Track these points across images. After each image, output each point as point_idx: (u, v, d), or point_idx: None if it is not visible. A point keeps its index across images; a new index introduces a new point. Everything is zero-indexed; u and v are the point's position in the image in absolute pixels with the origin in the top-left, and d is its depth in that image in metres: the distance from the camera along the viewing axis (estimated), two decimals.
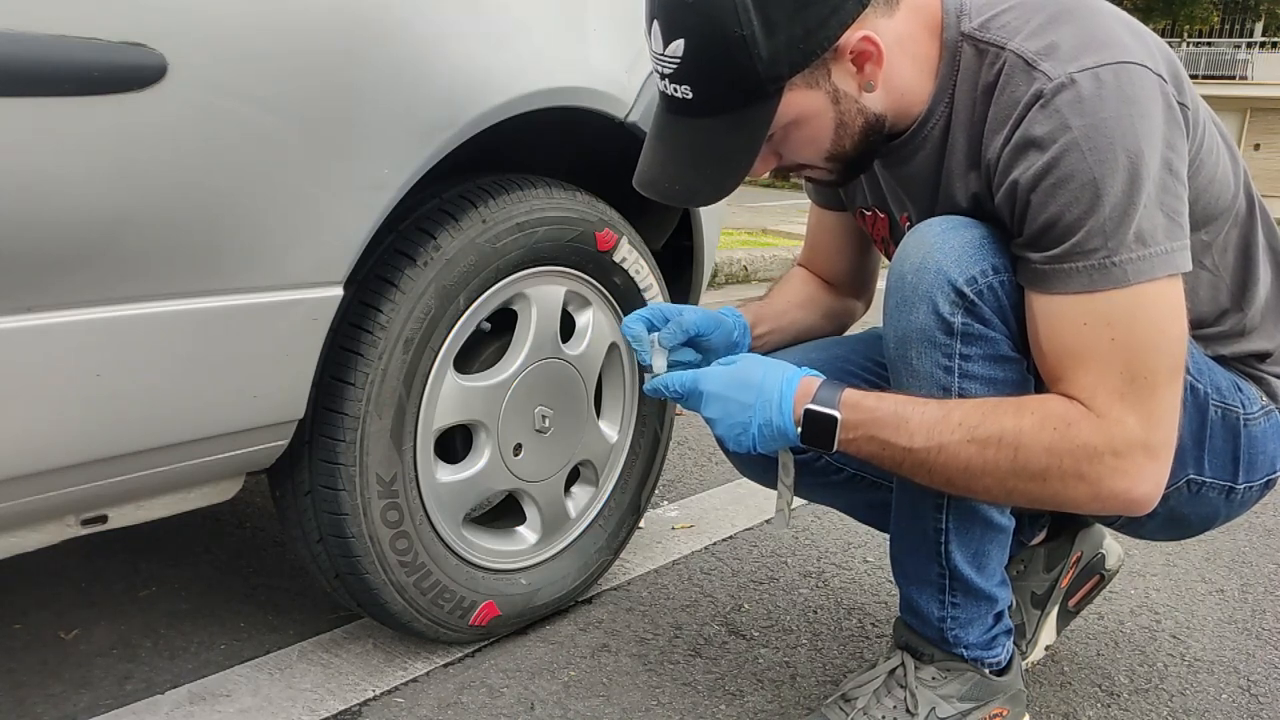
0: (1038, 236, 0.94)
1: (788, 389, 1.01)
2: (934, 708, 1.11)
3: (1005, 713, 1.15)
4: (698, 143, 1.00)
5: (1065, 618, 1.41)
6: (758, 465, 1.24)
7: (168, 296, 0.90)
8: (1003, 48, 0.96)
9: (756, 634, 1.46)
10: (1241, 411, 1.11)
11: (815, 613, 1.54)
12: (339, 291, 1.04)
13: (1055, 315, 0.95)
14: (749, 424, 1.01)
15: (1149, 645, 1.51)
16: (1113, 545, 1.44)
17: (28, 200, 0.78)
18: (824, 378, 1.03)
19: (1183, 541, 1.92)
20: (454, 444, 1.30)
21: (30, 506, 0.91)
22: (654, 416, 1.53)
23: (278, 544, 1.64)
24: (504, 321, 1.30)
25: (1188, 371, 1.05)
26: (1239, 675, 1.44)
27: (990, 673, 1.13)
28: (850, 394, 0.99)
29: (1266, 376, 1.15)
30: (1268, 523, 2.08)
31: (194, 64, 0.84)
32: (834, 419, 0.98)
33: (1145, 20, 18.88)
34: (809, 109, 0.99)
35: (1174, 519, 1.15)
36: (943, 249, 0.99)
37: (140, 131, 0.83)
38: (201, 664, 1.27)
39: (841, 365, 1.23)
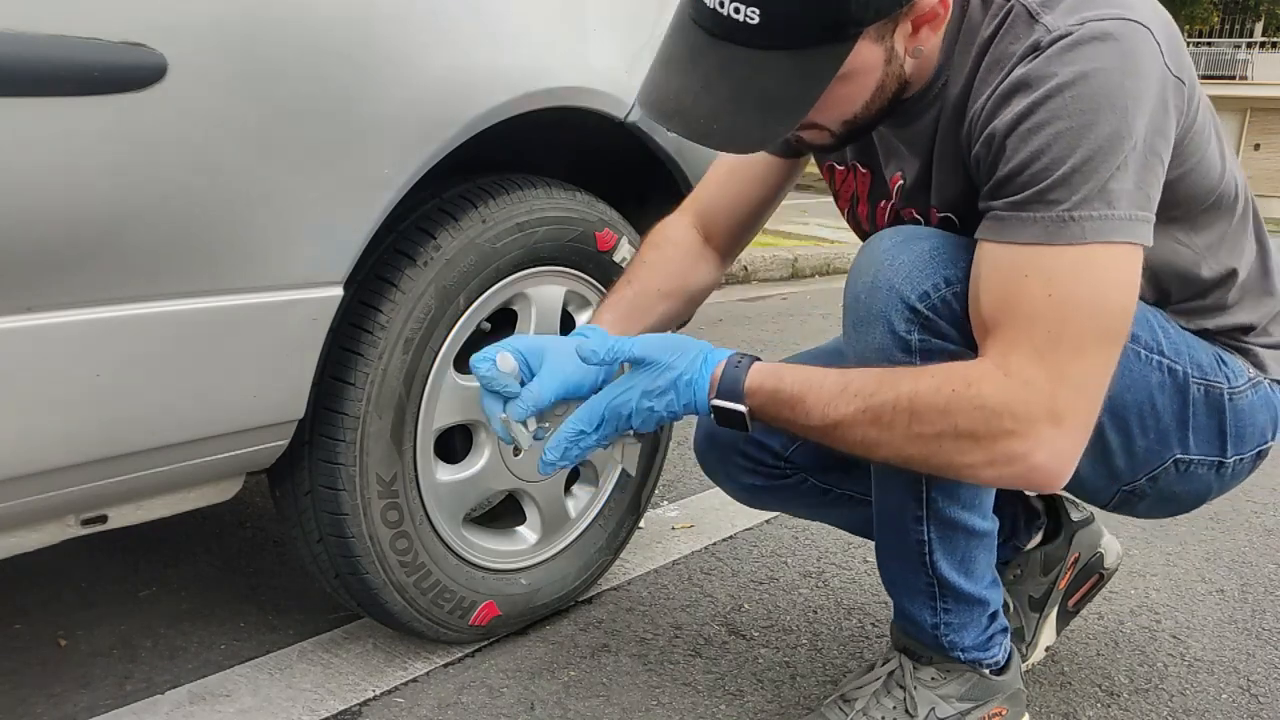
0: (1005, 182, 0.89)
1: (700, 386, 0.96)
2: (933, 708, 1.11)
3: (1004, 712, 1.15)
4: (745, 77, 0.86)
5: (1065, 618, 1.41)
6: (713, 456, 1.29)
7: (168, 296, 0.90)
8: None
9: (756, 634, 1.46)
10: (1226, 386, 1.09)
11: (815, 613, 1.54)
12: (339, 291, 1.04)
13: (1000, 264, 0.90)
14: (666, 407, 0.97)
15: (1149, 645, 1.51)
16: (1111, 543, 1.44)
17: (28, 200, 0.78)
18: (730, 356, 0.97)
19: (1183, 541, 1.93)
20: (454, 444, 1.30)
21: (30, 506, 0.91)
22: None
23: (278, 544, 1.64)
24: (504, 321, 1.30)
25: (1163, 354, 1.04)
26: (1239, 675, 1.44)
27: (989, 673, 1.13)
28: (755, 374, 0.95)
29: (1252, 348, 1.13)
30: (1268, 523, 2.08)
31: (194, 64, 0.84)
32: (741, 414, 0.95)
33: None
34: (865, 64, 0.89)
35: (1166, 498, 1.14)
36: (893, 265, 0.97)
37: (140, 131, 0.83)
38: (201, 664, 1.27)
39: None
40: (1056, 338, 0.87)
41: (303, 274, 1.01)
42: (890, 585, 1.14)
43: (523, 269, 1.25)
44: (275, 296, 0.99)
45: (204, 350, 0.95)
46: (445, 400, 1.23)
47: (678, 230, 1.24)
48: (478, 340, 1.29)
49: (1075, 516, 1.40)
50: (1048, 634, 1.38)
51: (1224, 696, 1.38)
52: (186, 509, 1.09)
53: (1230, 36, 22.58)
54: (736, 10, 0.82)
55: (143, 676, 1.24)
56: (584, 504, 1.47)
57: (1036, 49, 0.89)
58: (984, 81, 0.93)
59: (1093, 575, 1.41)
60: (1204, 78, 22.51)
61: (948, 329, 0.96)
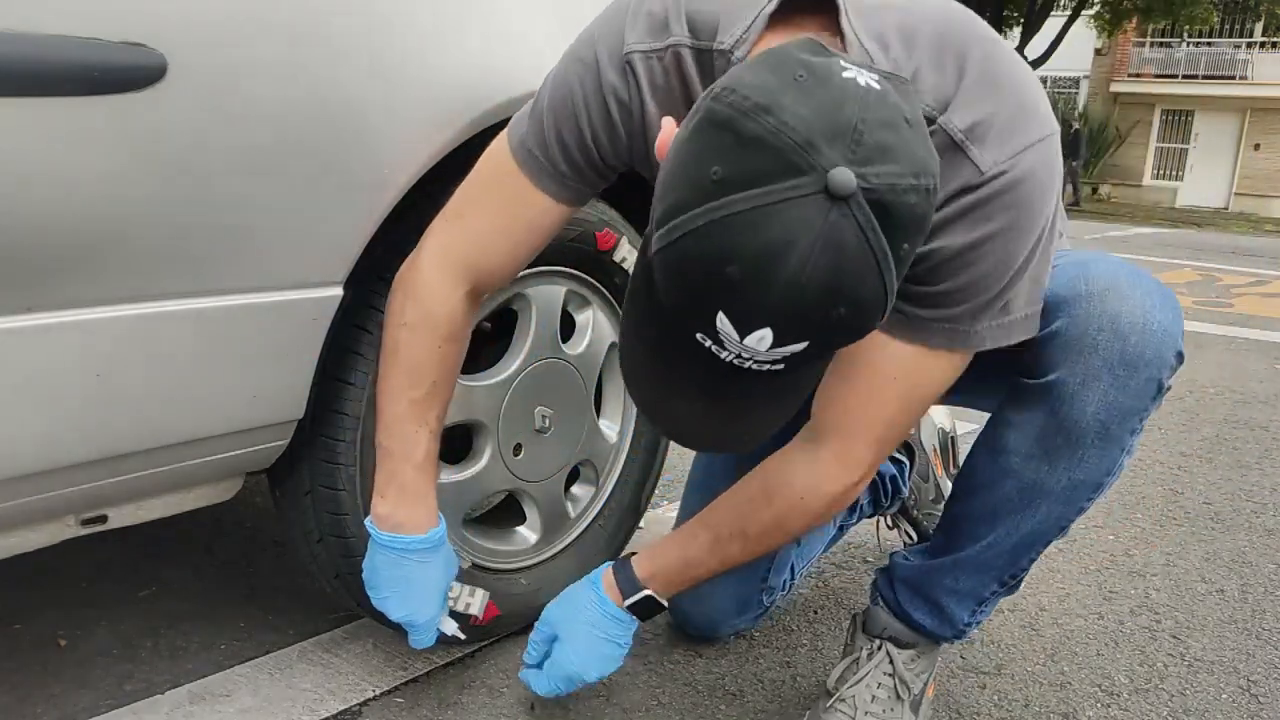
0: (925, 296, 0.92)
1: (601, 605, 1.14)
2: (911, 686, 1.19)
3: (934, 670, 1.25)
4: (769, 399, 0.85)
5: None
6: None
7: (168, 296, 0.90)
8: (933, 120, 0.88)
9: (756, 634, 1.46)
10: None
11: (815, 613, 1.54)
12: (339, 291, 1.04)
13: (887, 358, 0.95)
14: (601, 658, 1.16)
15: (1149, 645, 1.51)
16: (936, 418, 1.69)
17: (28, 200, 0.78)
18: (608, 566, 1.16)
19: (1183, 541, 1.93)
20: (454, 444, 1.30)
21: (30, 506, 0.91)
22: None
23: (278, 544, 1.64)
24: (504, 321, 1.30)
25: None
26: (1239, 675, 1.44)
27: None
28: (641, 567, 1.14)
29: None
30: (1268, 523, 2.08)
31: (194, 64, 0.84)
32: (653, 600, 1.14)
33: (1145, 20, 18.83)
34: None
35: None
36: (1154, 304, 1.00)
37: (140, 131, 0.83)
38: (201, 664, 1.27)
39: None
40: (894, 426, 1.01)
41: (303, 274, 1.01)
42: (939, 594, 1.17)
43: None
44: (275, 296, 0.99)
45: (204, 350, 0.95)
46: None
47: (457, 314, 1.08)
48: (478, 340, 1.29)
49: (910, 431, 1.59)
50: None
51: (1224, 696, 1.38)
52: (186, 509, 1.09)
53: (1230, 36, 22.57)
54: (760, 367, 0.76)
55: (143, 676, 1.24)
56: (584, 504, 1.47)
57: (969, 190, 0.88)
58: None
59: (948, 445, 1.67)
60: (1204, 78, 22.50)
61: None
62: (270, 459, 1.12)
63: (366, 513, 1.16)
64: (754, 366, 0.75)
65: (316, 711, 1.18)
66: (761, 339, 0.72)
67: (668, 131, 0.82)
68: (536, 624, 1.18)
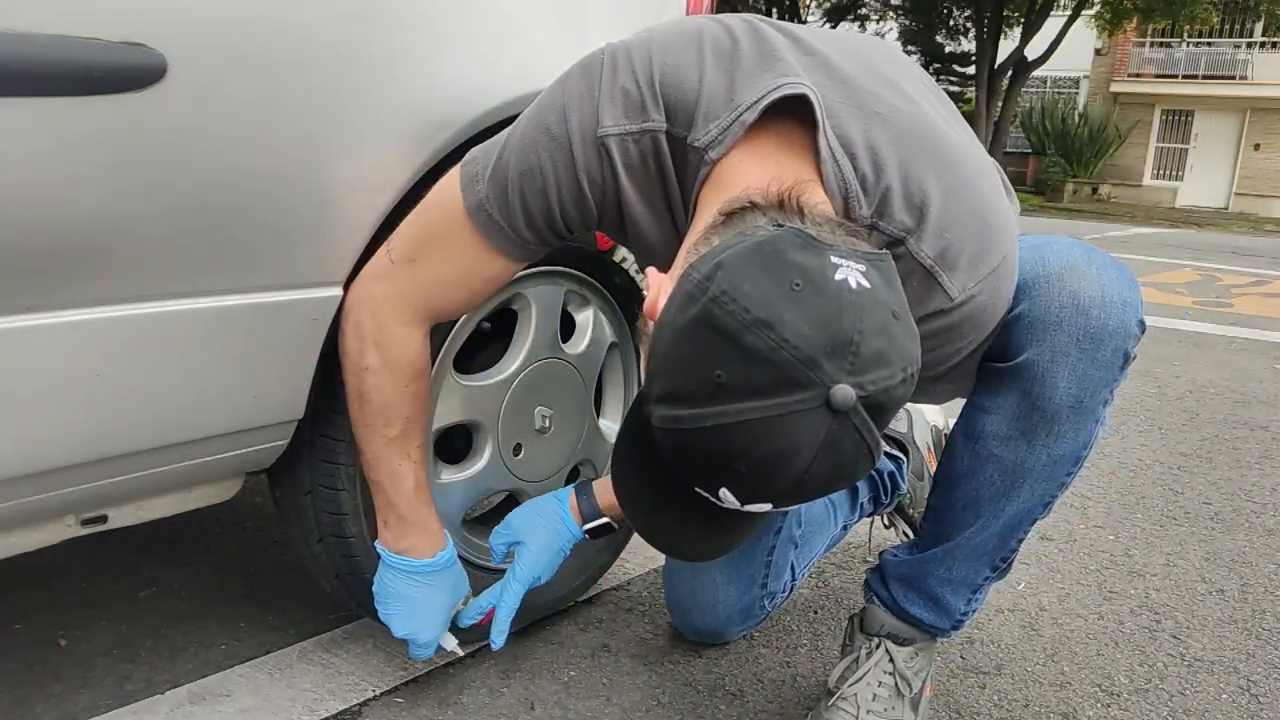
0: None
1: (568, 524, 1.21)
2: (911, 683, 1.19)
3: (932, 667, 1.26)
4: (766, 517, 0.88)
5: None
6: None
7: (168, 296, 0.90)
8: (902, 242, 0.93)
9: (756, 634, 1.46)
10: None
11: (815, 613, 1.54)
12: (339, 291, 1.04)
13: None
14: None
15: (1149, 645, 1.51)
16: (927, 415, 1.72)
17: (28, 200, 0.78)
18: (574, 489, 1.22)
19: (1183, 541, 1.93)
20: (454, 444, 1.30)
21: (30, 506, 0.91)
22: None
23: (278, 544, 1.64)
24: (504, 321, 1.30)
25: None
26: (1239, 675, 1.44)
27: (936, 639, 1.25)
28: (601, 498, 1.21)
29: None
30: (1268, 523, 2.08)
31: (194, 64, 0.84)
32: (606, 526, 1.22)
33: (1145, 20, 18.84)
34: None
35: None
36: (1109, 275, 1.03)
37: (140, 131, 0.83)
38: (201, 664, 1.27)
39: None
40: None
41: (303, 274, 1.01)
42: (934, 585, 1.19)
43: (522, 269, 1.25)
44: (275, 296, 0.99)
45: (204, 350, 0.95)
46: (445, 400, 1.23)
47: (420, 356, 1.09)
48: (478, 340, 1.29)
49: (903, 427, 1.67)
50: None
51: (1224, 696, 1.38)
52: (186, 509, 1.09)
53: (1230, 36, 22.56)
54: (754, 508, 0.81)
55: (143, 676, 1.24)
56: None
57: (941, 314, 0.95)
58: None
59: (941, 442, 1.70)
60: (1204, 78, 22.47)
61: None
62: (270, 459, 1.12)
63: (367, 513, 1.16)
64: (749, 512, 0.81)
65: (316, 711, 1.18)
66: (761, 507, 0.79)
67: (655, 291, 0.84)
68: (500, 529, 1.23)
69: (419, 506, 1.13)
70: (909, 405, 1.75)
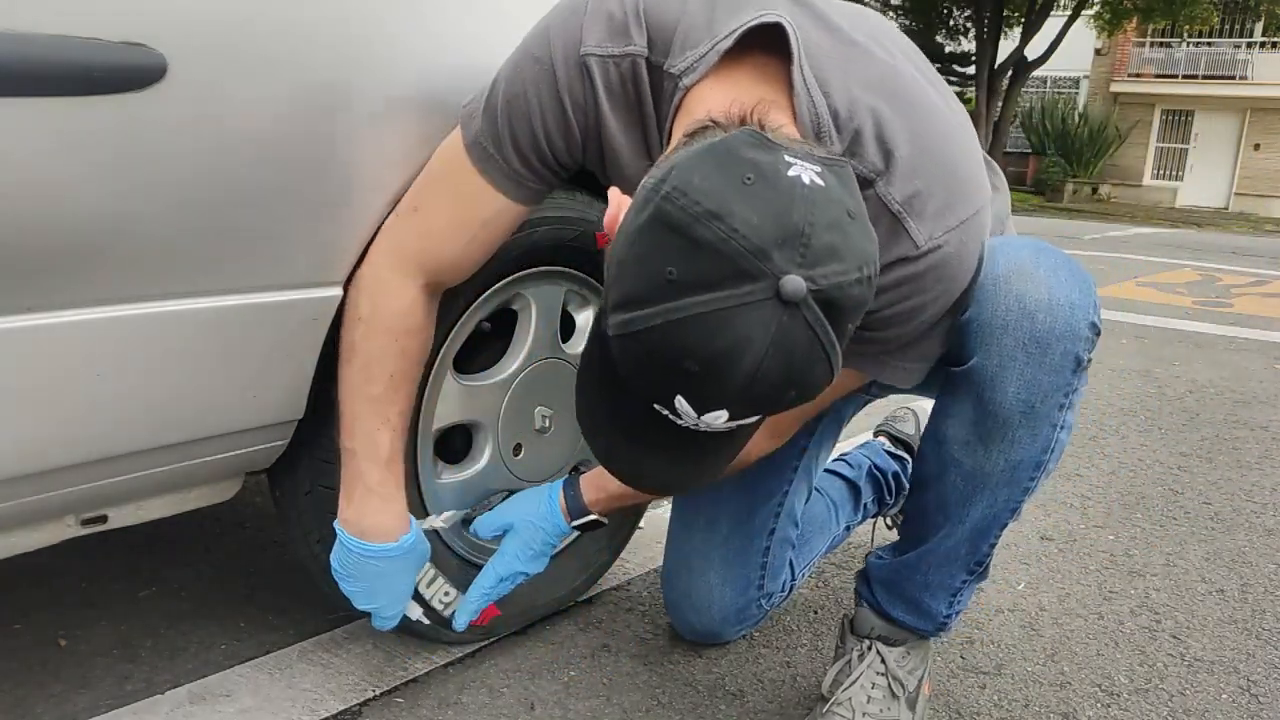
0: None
1: (555, 521, 1.20)
2: (905, 683, 1.19)
3: (929, 667, 1.26)
4: (728, 442, 0.87)
5: None
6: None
7: (168, 296, 0.90)
8: (871, 184, 0.92)
9: (756, 634, 1.46)
10: None
11: (815, 613, 1.54)
12: (339, 291, 1.04)
13: None
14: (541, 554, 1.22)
15: (1149, 645, 1.51)
16: (906, 412, 1.72)
17: (28, 200, 0.78)
18: (562, 486, 1.21)
19: (1183, 541, 1.93)
20: (454, 444, 1.30)
21: (30, 506, 0.91)
22: None
23: (278, 544, 1.64)
24: (504, 321, 1.30)
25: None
26: (1239, 675, 1.44)
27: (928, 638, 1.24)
28: (587, 491, 1.20)
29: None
30: (1268, 523, 2.08)
31: (194, 64, 0.84)
32: (594, 522, 1.21)
33: (1145, 20, 18.82)
34: None
35: None
36: (1060, 277, 1.01)
37: (140, 131, 0.83)
38: (201, 664, 1.27)
39: None
40: (815, 407, 1.14)
41: (303, 274, 1.01)
42: (915, 590, 1.18)
43: (522, 269, 1.25)
44: (275, 296, 0.99)
45: (204, 350, 0.95)
46: (445, 400, 1.23)
47: (412, 309, 1.06)
48: (478, 340, 1.29)
49: (910, 429, 1.68)
50: None
51: (1224, 696, 1.38)
52: (186, 509, 1.09)
53: (1230, 36, 22.55)
54: (712, 427, 0.80)
55: (143, 676, 1.24)
56: None
57: (905, 261, 0.94)
58: None
59: None
60: (1204, 78, 22.44)
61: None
62: (270, 459, 1.12)
63: None
64: (708, 430, 0.80)
65: (316, 711, 1.18)
66: (717, 416, 0.77)
67: (615, 206, 0.84)
68: (486, 519, 1.23)
69: (389, 480, 1.08)
70: (914, 406, 1.75)
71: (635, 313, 0.74)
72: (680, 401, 0.76)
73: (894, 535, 1.70)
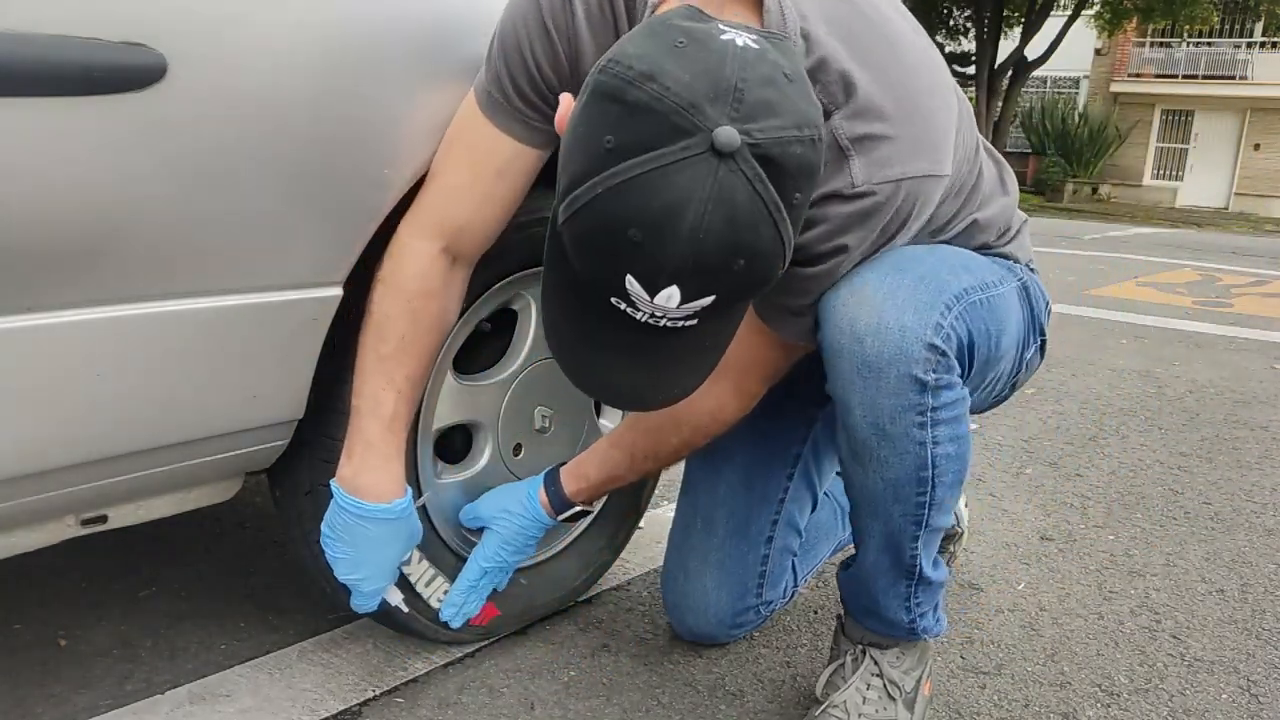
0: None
1: (537, 516, 1.24)
2: (901, 684, 1.19)
3: (929, 667, 1.25)
4: (691, 350, 0.88)
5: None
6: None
7: (168, 296, 0.90)
8: (828, 115, 0.91)
9: (756, 634, 1.46)
10: (1023, 281, 1.23)
11: (815, 613, 1.54)
12: (339, 291, 1.04)
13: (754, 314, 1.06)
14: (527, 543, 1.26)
15: (1149, 645, 1.51)
16: None
17: (28, 200, 0.78)
18: (543, 480, 1.24)
19: (1183, 541, 1.93)
20: (454, 444, 1.30)
21: (30, 506, 0.91)
22: None
23: (278, 544, 1.64)
24: (504, 321, 1.30)
25: (1000, 283, 1.14)
26: (1239, 675, 1.44)
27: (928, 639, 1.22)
28: (567, 482, 1.23)
29: (1004, 248, 1.25)
30: (1268, 523, 2.08)
31: (194, 64, 0.84)
32: (581, 511, 1.25)
33: (1145, 20, 18.84)
34: None
35: (1017, 386, 1.30)
36: (895, 299, 1.00)
37: (140, 131, 0.83)
38: (201, 664, 1.27)
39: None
40: (778, 365, 1.14)
41: (303, 274, 1.01)
42: (866, 596, 1.18)
43: (522, 269, 1.25)
44: (275, 296, 0.99)
45: (204, 350, 0.95)
46: (445, 400, 1.23)
47: (429, 270, 1.07)
48: (478, 340, 1.29)
49: None
50: (959, 504, 1.67)
51: (1224, 696, 1.38)
52: (186, 509, 1.09)
53: (1230, 36, 22.55)
54: (674, 324, 0.80)
55: (143, 676, 1.24)
56: None
57: (836, 197, 0.94)
58: None
59: None
60: (1204, 78, 22.43)
61: (953, 358, 1.01)
62: (270, 459, 1.12)
63: None
64: (669, 324, 0.79)
65: (316, 711, 1.18)
66: (670, 296, 0.77)
67: (565, 106, 0.85)
68: (467, 511, 1.26)
69: (389, 441, 1.07)
70: None
71: (578, 189, 0.75)
72: (631, 283, 0.76)
73: None
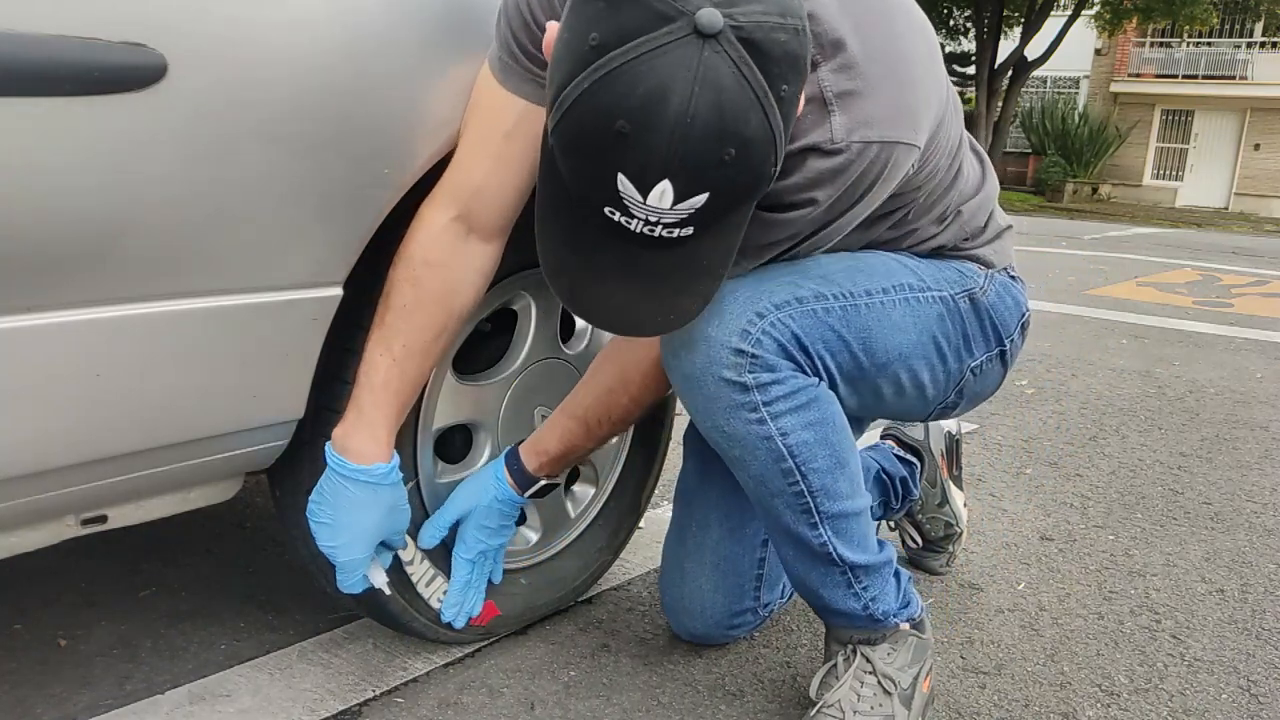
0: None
1: (507, 496, 1.23)
2: (897, 680, 1.18)
3: (929, 664, 1.24)
4: (685, 270, 0.88)
5: (958, 482, 1.73)
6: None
7: (168, 296, 0.90)
8: (816, 67, 0.93)
9: (756, 634, 1.46)
10: (977, 289, 1.24)
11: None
12: (339, 291, 1.04)
13: None
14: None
15: (1149, 645, 1.51)
16: (936, 422, 1.70)
17: (28, 200, 0.78)
18: (504, 461, 1.24)
19: (1183, 541, 1.93)
20: (454, 444, 1.30)
21: (30, 506, 0.91)
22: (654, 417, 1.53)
23: (278, 544, 1.64)
24: (504, 321, 1.30)
25: (929, 288, 1.18)
26: (1239, 675, 1.44)
27: (919, 631, 1.22)
28: (527, 459, 1.23)
29: (976, 251, 1.27)
30: (1268, 523, 2.08)
31: (194, 64, 0.84)
32: (546, 486, 1.25)
33: (1145, 20, 18.84)
34: None
35: (973, 397, 1.30)
36: (708, 318, 1.02)
37: (140, 131, 0.83)
38: (201, 664, 1.27)
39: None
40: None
41: (303, 274, 1.01)
42: (813, 594, 1.20)
43: (522, 269, 1.25)
44: (275, 296, 0.99)
45: (204, 350, 0.95)
46: (445, 400, 1.23)
47: (437, 239, 1.07)
48: (478, 340, 1.29)
49: (920, 434, 1.68)
50: (959, 504, 1.69)
51: (1224, 696, 1.38)
52: (186, 509, 1.09)
53: (1230, 36, 22.55)
54: (670, 232, 0.81)
55: (143, 676, 1.24)
56: (584, 504, 1.47)
57: (814, 151, 0.94)
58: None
59: (953, 447, 1.73)
60: (1204, 78, 22.43)
61: (773, 358, 1.04)
62: (270, 459, 1.12)
63: None
64: (664, 234, 0.80)
65: (316, 711, 1.18)
66: (663, 194, 0.77)
67: (552, 31, 0.85)
68: (437, 518, 1.23)
69: (380, 407, 1.07)
70: None
71: (565, 91, 0.75)
72: (624, 183, 0.76)
73: (895, 537, 1.71)
